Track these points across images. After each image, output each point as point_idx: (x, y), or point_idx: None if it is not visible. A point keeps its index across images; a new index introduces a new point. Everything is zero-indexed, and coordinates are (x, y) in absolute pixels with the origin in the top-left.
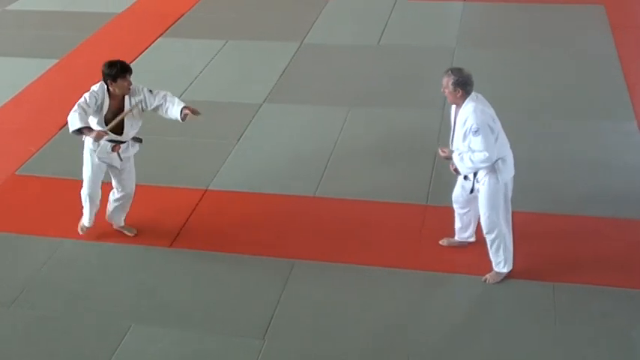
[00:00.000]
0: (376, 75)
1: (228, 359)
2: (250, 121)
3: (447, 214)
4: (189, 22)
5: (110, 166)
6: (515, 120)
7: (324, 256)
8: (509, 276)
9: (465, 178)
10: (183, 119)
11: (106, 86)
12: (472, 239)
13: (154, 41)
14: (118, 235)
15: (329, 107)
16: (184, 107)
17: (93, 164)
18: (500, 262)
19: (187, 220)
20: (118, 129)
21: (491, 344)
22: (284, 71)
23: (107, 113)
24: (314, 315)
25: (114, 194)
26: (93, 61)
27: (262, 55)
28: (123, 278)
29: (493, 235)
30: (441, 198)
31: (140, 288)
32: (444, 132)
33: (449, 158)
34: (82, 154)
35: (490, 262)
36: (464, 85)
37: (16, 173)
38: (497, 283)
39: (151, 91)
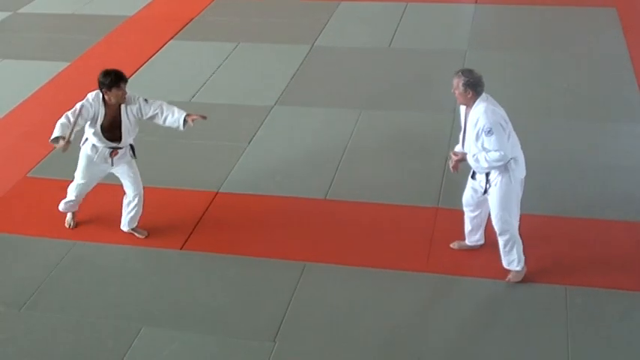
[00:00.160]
0: (387, 77)
1: None
2: (262, 123)
3: (458, 216)
4: (201, 25)
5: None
6: (527, 122)
7: (335, 258)
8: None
9: (473, 177)
10: (183, 126)
11: (101, 95)
12: (481, 242)
13: (165, 44)
14: (129, 237)
15: (340, 109)
16: (187, 115)
17: (87, 169)
18: (514, 260)
19: (199, 222)
20: (117, 136)
21: (504, 348)
22: (295, 74)
23: (104, 122)
24: (325, 317)
25: (125, 199)
26: (104, 64)
27: (274, 57)
28: (134, 280)
29: (507, 236)
30: (452, 200)
31: (151, 290)
32: (455, 134)
33: (463, 160)
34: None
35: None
36: (474, 87)
37: (28, 175)
38: (519, 281)
39: (146, 100)
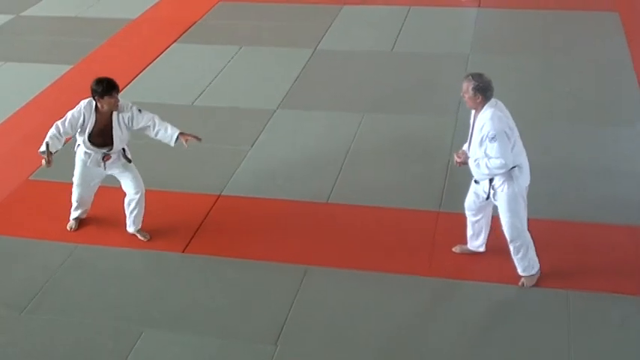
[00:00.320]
0: (390, 81)
1: None
2: (264, 126)
3: (460, 220)
4: (203, 28)
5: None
6: (529, 126)
7: (337, 262)
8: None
9: (477, 182)
10: (174, 143)
11: (94, 102)
12: (481, 249)
13: (167, 47)
14: (131, 240)
15: (343, 113)
16: (180, 134)
17: (82, 172)
18: (528, 265)
19: (200, 225)
20: (109, 142)
21: (505, 352)
22: (298, 77)
23: (94, 129)
24: (326, 321)
25: (126, 199)
26: (107, 67)
27: (276, 61)
28: (135, 283)
29: (518, 243)
30: (454, 204)
31: (153, 293)
32: (457, 138)
33: (464, 163)
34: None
35: (507, 269)
36: (484, 91)
37: (30, 178)
38: (533, 285)
39: (140, 110)
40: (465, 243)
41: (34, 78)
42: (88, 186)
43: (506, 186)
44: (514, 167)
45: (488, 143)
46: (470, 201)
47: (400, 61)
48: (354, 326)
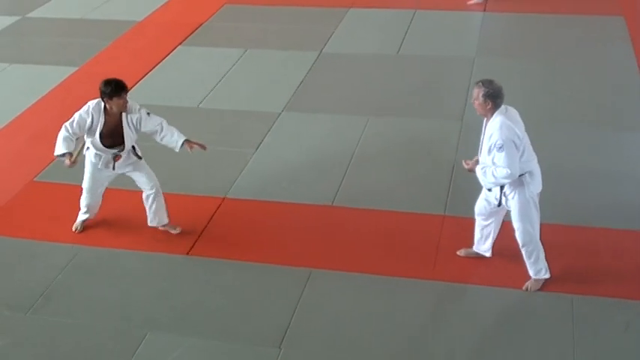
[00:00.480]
0: (395, 84)
1: None
2: (269, 129)
3: (464, 224)
4: (209, 31)
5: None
6: (533, 130)
7: (341, 265)
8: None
9: (489, 189)
10: (179, 149)
11: (103, 103)
12: (488, 254)
13: (173, 49)
14: (135, 242)
15: (348, 116)
16: (186, 141)
17: (93, 176)
18: (541, 269)
19: (205, 228)
20: (119, 142)
21: (509, 356)
22: (303, 80)
23: (103, 129)
24: (330, 324)
25: (143, 195)
26: (113, 68)
27: (281, 64)
28: (140, 286)
29: (531, 247)
30: (459, 208)
31: (157, 295)
32: (462, 142)
33: (472, 171)
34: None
35: (511, 273)
36: (494, 98)
37: (35, 180)
38: (538, 290)
39: (148, 113)
40: (470, 246)
41: (40, 79)
42: (99, 189)
43: (517, 193)
44: (524, 174)
45: (496, 152)
46: (481, 206)
47: (406, 64)
48: (358, 330)
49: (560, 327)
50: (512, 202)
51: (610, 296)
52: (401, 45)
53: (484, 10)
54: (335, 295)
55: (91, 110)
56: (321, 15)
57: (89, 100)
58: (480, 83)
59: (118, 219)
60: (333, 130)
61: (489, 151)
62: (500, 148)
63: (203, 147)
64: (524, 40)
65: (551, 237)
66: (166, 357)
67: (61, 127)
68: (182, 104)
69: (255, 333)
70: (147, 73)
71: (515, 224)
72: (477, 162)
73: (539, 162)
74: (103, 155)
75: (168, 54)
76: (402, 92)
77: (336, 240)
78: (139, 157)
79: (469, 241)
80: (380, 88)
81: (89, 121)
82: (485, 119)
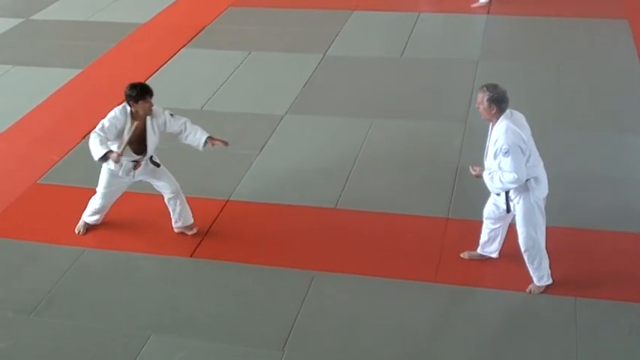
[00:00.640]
0: (399, 87)
1: None
2: (273, 132)
3: (468, 227)
4: (213, 33)
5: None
6: (538, 133)
7: (345, 267)
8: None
9: (498, 194)
10: (203, 147)
11: (128, 108)
12: (494, 255)
13: (177, 52)
14: (138, 244)
15: (351, 119)
16: (209, 137)
17: (110, 183)
18: (543, 276)
19: (208, 230)
20: (142, 149)
21: (513, 358)
22: (307, 83)
23: (131, 135)
24: (334, 327)
25: (165, 199)
26: (116, 71)
27: (285, 66)
28: (143, 288)
29: (533, 253)
30: (463, 211)
31: (160, 298)
32: (466, 145)
33: (479, 177)
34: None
35: (515, 275)
36: (499, 102)
37: (38, 182)
38: (541, 292)
39: (172, 114)
40: (474, 249)
41: (44, 82)
42: (114, 196)
43: (522, 197)
44: (530, 179)
45: (502, 157)
46: (489, 210)
47: (409, 67)
48: (361, 332)
49: (564, 330)
50: (517, 207)
51: (613, 299)
52: (405, 48)
53: (488, 13)
54: (338, 298)
55: (118, 114)
56: (325, 17)
57: (92, 102)
58: (485, 88)
59: (121, 221)
60: (337, 132)
61: (495, 155)
62: (506, 152)
63: (225, 143)
64: (528, 43)
65: (553, 240)
66: (170, 359)
67: (64, 129)
68: (185, 107)
69: (259, 335)
70: (150, 76)
71: (519, 229)
72: (482, 168)
73: (544, 165)
74: (125, 162)
75: (172, 56)
76: (405, 95)
77: (339, 242)
78: (157, 165)
79: (473, 244)
80: (384, 91)
81: (119, 125)
82: (491, 124)
